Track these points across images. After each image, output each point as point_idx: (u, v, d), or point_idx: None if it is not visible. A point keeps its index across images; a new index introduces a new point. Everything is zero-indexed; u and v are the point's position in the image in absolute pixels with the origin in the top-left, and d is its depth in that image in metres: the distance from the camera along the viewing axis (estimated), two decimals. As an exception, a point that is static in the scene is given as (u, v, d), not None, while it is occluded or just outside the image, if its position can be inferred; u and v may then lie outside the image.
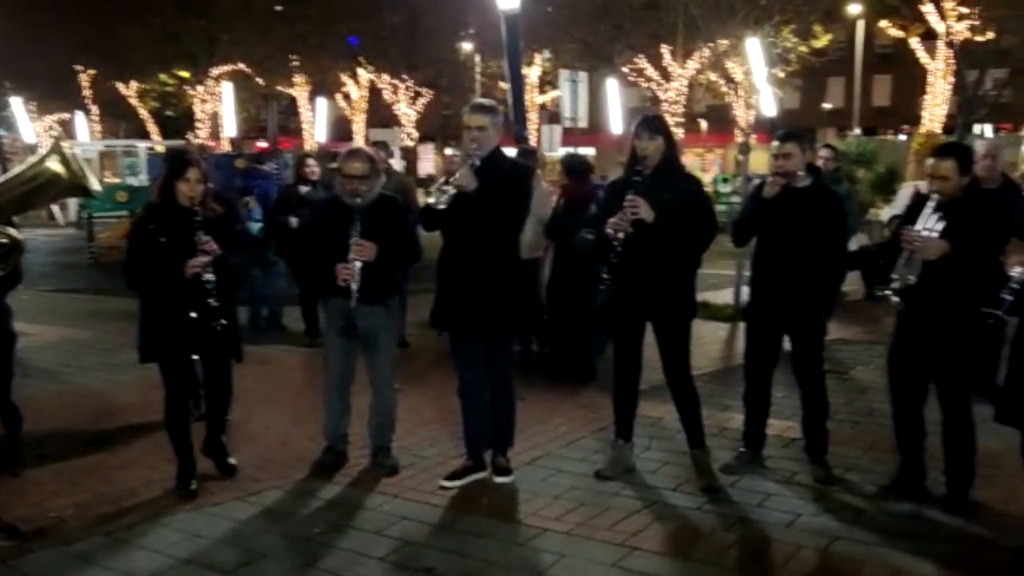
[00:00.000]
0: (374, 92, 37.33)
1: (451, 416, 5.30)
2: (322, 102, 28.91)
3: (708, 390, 6.43)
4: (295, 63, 35.53)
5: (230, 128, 21.62)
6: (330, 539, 4.10)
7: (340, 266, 4.56)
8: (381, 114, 37.18)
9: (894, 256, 4.26)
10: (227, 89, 22.08)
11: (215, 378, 4.81)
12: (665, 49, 27.87)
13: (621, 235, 4.44)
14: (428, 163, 46.31)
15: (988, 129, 32.98)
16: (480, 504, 4.50)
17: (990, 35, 24.70)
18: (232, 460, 4.90)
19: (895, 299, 4.23)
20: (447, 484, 4.68)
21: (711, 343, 8.17)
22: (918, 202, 4.37)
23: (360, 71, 36.45)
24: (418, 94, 36.31)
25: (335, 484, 4.75)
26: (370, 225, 4.58)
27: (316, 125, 31.48)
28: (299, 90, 37.71)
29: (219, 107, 27.70)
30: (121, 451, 5.30)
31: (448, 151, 45.25)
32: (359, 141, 30.14)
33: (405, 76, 35.26)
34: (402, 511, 4.39)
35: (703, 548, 3.97)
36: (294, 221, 7.82)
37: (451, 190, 4.30)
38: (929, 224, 4.15)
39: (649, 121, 4.69)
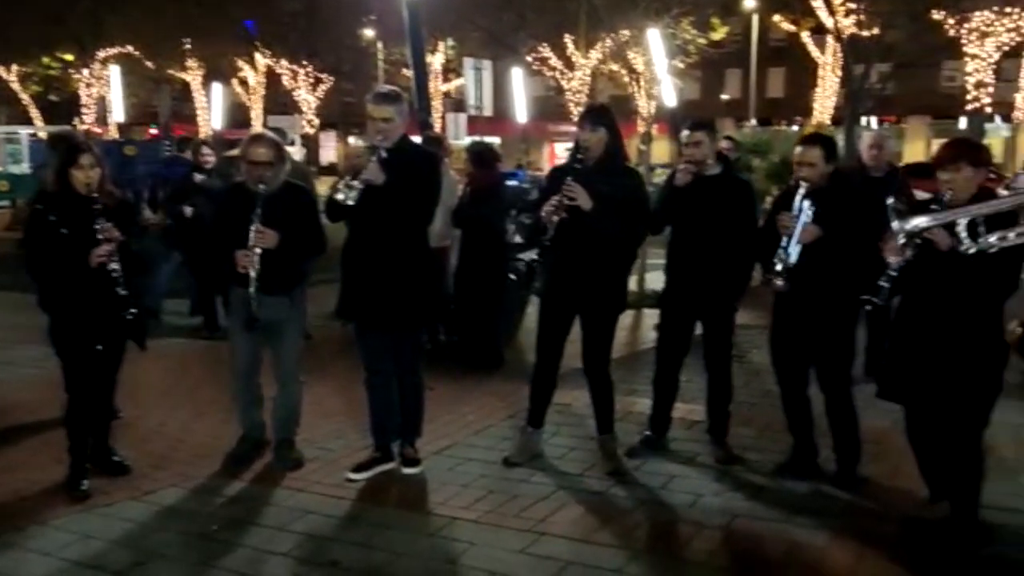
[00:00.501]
0: (272, 78, 36.49)
1: (357, 408, 5.23)
2: (217, 87, 28.15)
3: (614, 376, 6.52)
4: (187, 47, 34.38)
5: (118, 113, 20.79)
6: (230, 536, 3.99)
7: (240, 253, 4.43)
8: (280, 100, 36.37)
9: (774, 242, 4.41)
10: (114, 73, 21.26)
11: (108, 370, 4.61)
12: (568, 39, 28.10)
13: (555, 219, 4.45)
14: (330, 151, 45.51)
15: (874, 121, 34.43)
16: (388, 495, 4.46)
17: (876, 30, 25.77)
18: (117, 457, 4.71)
19: (778, 282, 4.37)
20: (353, 476, 4.62)
21: (619, 329, 8.26)
22: (789, 190, 4.55)
23: (257, 56, 35.54)
24: (319, 80, 35.66)
25: (237, 480, 4.63)
26: (273, 213, 4.46)
27: (211, 111, 30.61)
28: (192, 75, 36.54)
29: (106, 91, 26.62)
30: (9, 452, 5.04)
31: (351, 139, 44.61)
32: (257, 128, 29.40)
33: (305, 62, 34.54)
34: (306, 505, 4.31)
35: (609, 531, 4.03)
36: (188, 210, 7.58)
37: (359, 185, 4.22)
38: (802, 210, 4.32)
39: (591, 112, 4.71)
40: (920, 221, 1.94)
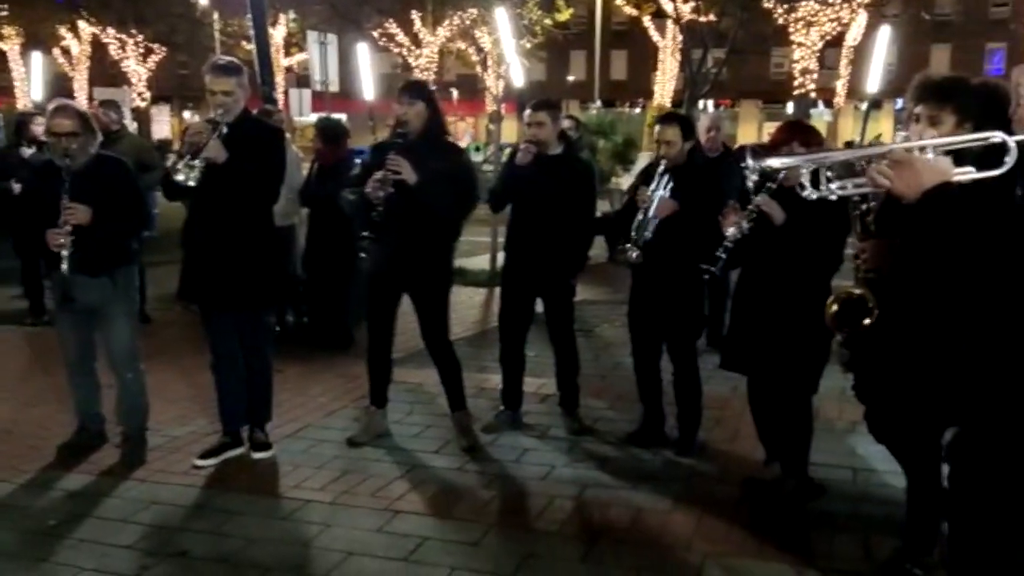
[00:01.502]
0: (98, 47, 34.30)
1: (203, 392, 5.05)
2: (37, 57, 26.15)
3: (467, 353, 6.57)
4: (3, 13, 31.81)
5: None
6: (68, 531, 3.78)
7: (50, 232, 4.13)
8: (107, 72, 34.26)
9: (632, 216, 4.57)
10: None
11: None
12: (415, 15, 27.82)
13: (381, 194, 4.40)
14: (164, 126, 43.38)
15: (710, 104, 35.99)
16: (238, 481, 4.33)
17: (711, 17, 26.90)
18: None
19: (633, 254, 4.53)
20: (201, 463, 4.46)
21: (468, 308, 8.35)
22: (651, 166, 4.72)
23: (81, 24, 33.30)
24: (149, 51, 33.80)
25: (74, 473, 4.38)
26: (84, 187, 4.17)
27: (31, 82, 28.44)
28: (9, 43, 33.87)
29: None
30: None
31: (187, 114, 42.62)
32: (81, 100, 27.56)
33: (134, 31, 32.64)
34: (151, 495, 4.14)
35: (464, 506, 4.08)
36: (16, 187, 7.04)
37: (200, 164, 4.04)
38: (660, 185, 4.50)
39: (409, 86, 4.67)
40: (773, 162, 2.08)
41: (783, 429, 4.12)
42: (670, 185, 4.50)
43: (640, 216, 4.51)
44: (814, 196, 2.07)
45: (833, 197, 2.21)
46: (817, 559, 3.53)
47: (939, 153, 1.93)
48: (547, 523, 3.92)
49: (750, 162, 2.16)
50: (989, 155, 1.99)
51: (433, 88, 5.10)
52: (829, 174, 2.11)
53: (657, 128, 4.67)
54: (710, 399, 4.89)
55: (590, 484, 4.31)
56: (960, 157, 1.99)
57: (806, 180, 2.05)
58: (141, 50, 33.43)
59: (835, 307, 3.10)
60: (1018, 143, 1.96)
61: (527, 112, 4.87)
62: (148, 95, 34.84)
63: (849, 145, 30.10)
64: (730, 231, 3.84)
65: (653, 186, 4.51)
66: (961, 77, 3.02)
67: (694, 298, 4.65)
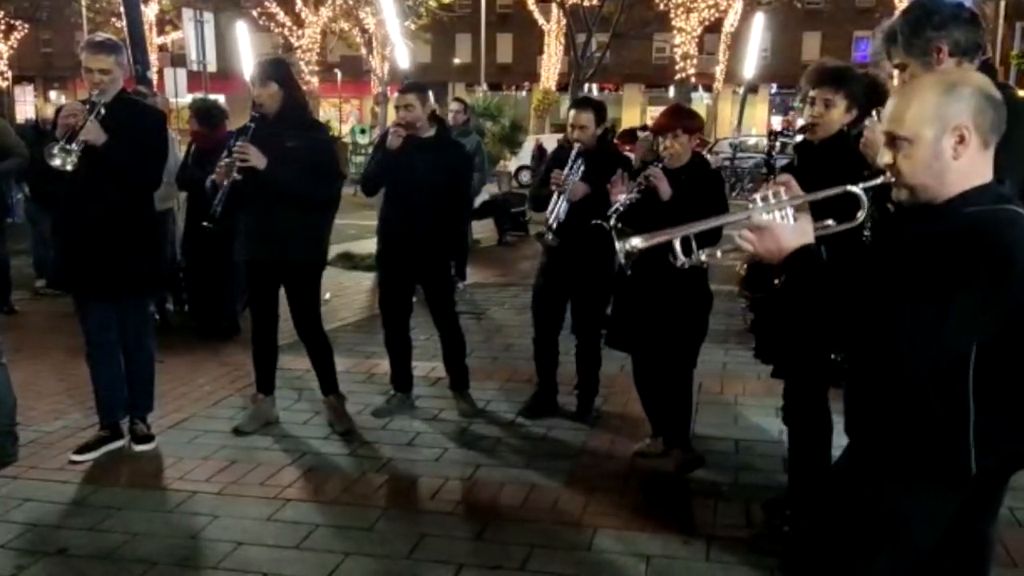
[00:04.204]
0: (-46, 23, 32.19)
1: (78, 385, 4.85)
2: None
3: (355, 339, 6.54)
4: None
5: None
6: (-65, 535, 3.57)
7: None
8: (-35, 50, 32.21)
9: (547, 199, 4.63)
10: None
11: None
12: (296, -6, 27.16)
13: (226, 182, 4.26)
14: (27, 107, 41.12)
15: (595, 88, 36.55)
16: (118, 475, 4.18)
17: (595, 1, 27.26)
18: None
19: (548, 237, 4.60)
20: (78, 458, 4.28)
21: (356, 293, 8.27)
22: (559, 150, 4.80)
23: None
24: (11, 28, 31.90)
25: (-64, 473, 4.13)
26: None
27: None
28: None
29: None
30: None
31: (53, 94, 40.45)
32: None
33: (-7, 7, 30.78)
34: (25, 492, 3.95)
35: (356, 491, 4.05)
36: None
37: (77, 148, 3.85)
38: (574, 169, 4.57)
39: (262, 67, 4.52)
40: (637, 242, 2.15)
41: (667, 404, 4.26)
42: (582, 169, 4.56)
43: (555, 199, 4.57)
44: (687, 265, 2.16)
45: (705, 266, 2.31)
46: (701, 528, 3.67)
47: (802, 209, 2.02)
48: (440, 504, 3.93)
49: (617, 245, 2.22)
50: (846, 205, 2.11)
51: (289, 65, 4.95)
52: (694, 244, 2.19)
53: (572, 113, 4.73)
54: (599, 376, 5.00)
55: (483, 464, 4.34)
56: (821, 208, 2.10)
57: (678, 248, 2.13)
58: (1, 27, 31.50)
59: (744, 271, 3.25)
60: (866, 190, 2.08)
61: (396, 95, 4.84)
62: (9, 75, 32.90)
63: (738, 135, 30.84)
64: (620, 198, 3.93)
65: (567, 170, 4.57)
66: (851, 66, 3.36)
67: (603, 275, 4.73)
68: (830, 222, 2.14)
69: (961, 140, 1.89)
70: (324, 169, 4.50)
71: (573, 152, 4.60)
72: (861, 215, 2.10)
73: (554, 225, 4.58)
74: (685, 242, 2.16)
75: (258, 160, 4.27)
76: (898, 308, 1.82)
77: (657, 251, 2.03)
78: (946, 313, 1.78)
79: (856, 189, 2.08)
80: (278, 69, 4.55)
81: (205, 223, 4.31)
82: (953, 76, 2.06)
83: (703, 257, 2.21)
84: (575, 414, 4.94)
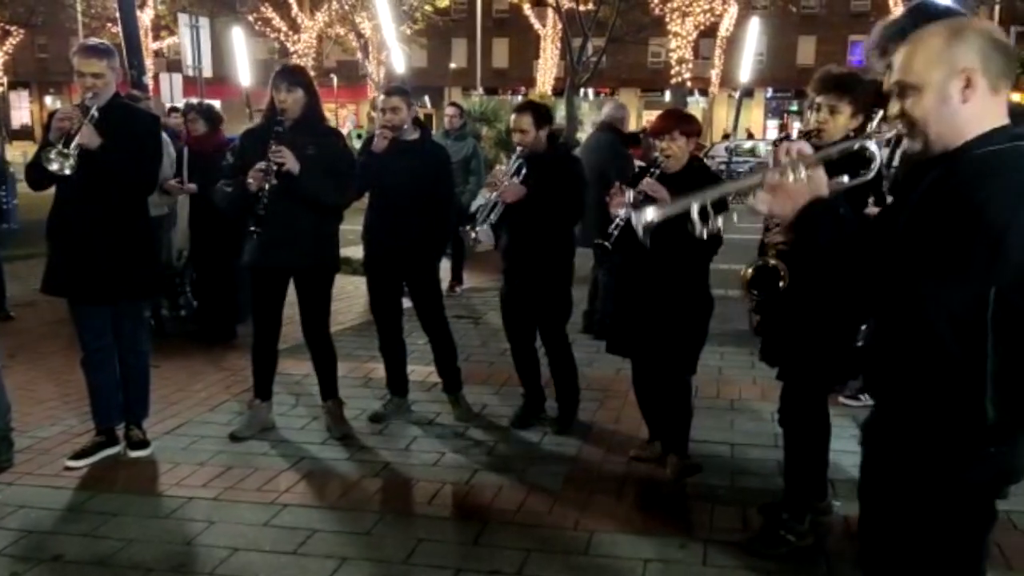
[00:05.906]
0: (-53, 28, 32.16)
1: (74, 391, 4.84)
2: None
3: (353, 343, 6.53)
4: None
5: None
6: (-70, 542, 3.56)
7: None
8: (-43, 55, 32.18)
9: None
10: None
11: None
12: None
13: (266, 186, 4.29)
14: (23, 112, 41.13)
15: (591, 92, 36.61)
16: (114, 481, 4.16)
17: (590, 5, 27.29)
18: None
19: (473, 234, 4.56)
20: (73, 464, 4.26)
21: (354, 297, 8.25)
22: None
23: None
24: (7, 33, 31.89)
25: (-69, 480, 4.12)
26: None
27: None
28: None
29: None
30: None
31: (48, 99, 40.41)
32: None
33: (-12, 11, 30.76)
34: (21, 499, 3.93)
35: (354, 496, 4.04)
36: None
37: (74, 152, 3.84)
38: (513, 171, 4.58)
39: (287, 72, 4.56)
40: (651, 216, 2.12)
41: (665, 409, 4.26)
42: (523, 171, 4.57)
43: (491, 197, 4.58)
44: (704, 235, 2.14)
45: (718, 232, 2.30)
46: (698, 531, 3.67)
47: (814, 166, 2.00)
48: (437, 509, 3.93)
49: (633, 218, 2.19)
50: (859, 163, 2.10)
51: (312, 74, 5.01)
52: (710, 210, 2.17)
53: (512, 117, 4.75)
54: (595, 381, 5.00)
55: (480, 468, 4.34)
56: (834, 167, 2.09)
57: (695, 216, 2.11)
58: (-4, 32, 31.54)
59: (750, 273, 3.25)
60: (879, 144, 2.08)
61: (381, 98, 4.85)
62: (5, 80, 32.87)
63: (726, 137, 31.04)
64: (620, 212, 3.91)
65: (509, 172, 4.58)
66: (856, 72, 3.42)
67: (558, 284, 4.73)
68: (844, 178, 2.12)
69: (968, 84, 1.85)
70: (344, 175, 4.52)
71: (514, 155, 4.64)
72: (874, 167, 2.09)
73: (486, 226, 4.58)
74: (702, 210, 2.14)
75: (293, 164, 4.28)
76: (915, 251, 1.77)
77: (657, 257, 2.03)
78: (965, 255, 1.73)
79: (869, 143, 2.08)
80: (304, 75, 4.58)
81: (252, 228, 4.31)
82: (959, 23, 2.00)
83: (719, 224, 2.19)
84: (556, 423, 4.84)
